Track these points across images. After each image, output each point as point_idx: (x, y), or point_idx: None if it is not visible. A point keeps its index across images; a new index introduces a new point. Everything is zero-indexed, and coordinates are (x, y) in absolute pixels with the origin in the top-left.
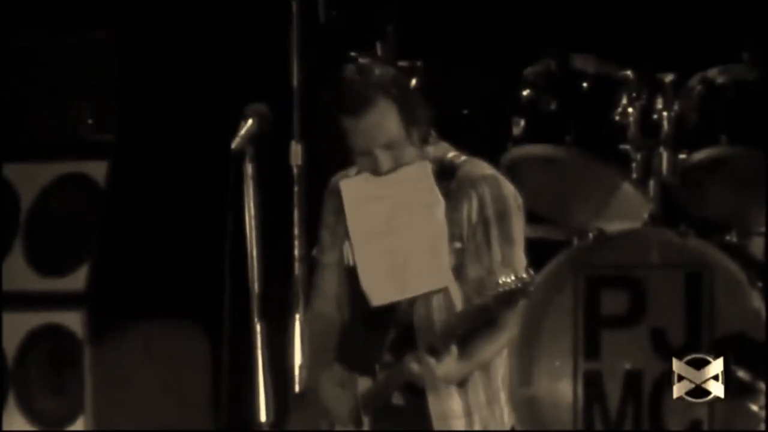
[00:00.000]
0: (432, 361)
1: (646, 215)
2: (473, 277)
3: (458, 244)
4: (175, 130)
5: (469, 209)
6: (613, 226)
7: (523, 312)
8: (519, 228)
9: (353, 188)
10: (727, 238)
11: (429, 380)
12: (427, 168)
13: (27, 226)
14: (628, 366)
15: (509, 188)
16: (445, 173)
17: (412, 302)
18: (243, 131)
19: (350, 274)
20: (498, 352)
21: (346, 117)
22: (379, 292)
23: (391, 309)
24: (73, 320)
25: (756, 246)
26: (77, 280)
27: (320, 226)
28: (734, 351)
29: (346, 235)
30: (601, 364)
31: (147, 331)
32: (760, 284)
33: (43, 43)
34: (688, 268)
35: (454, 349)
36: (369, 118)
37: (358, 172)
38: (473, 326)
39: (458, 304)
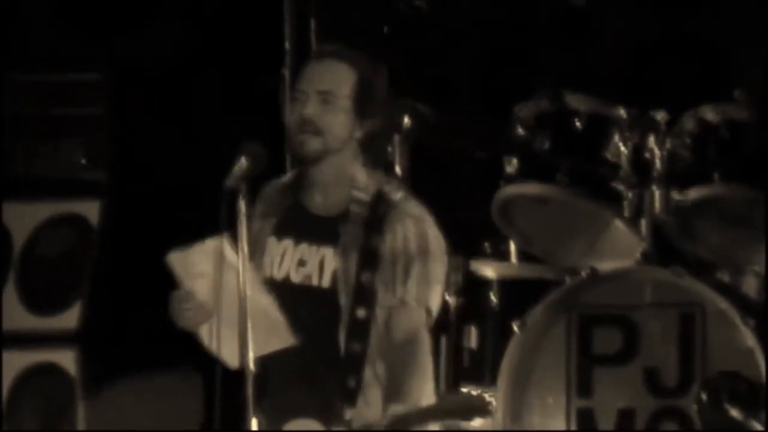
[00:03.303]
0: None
1: (638, 254)
2: (383, 305)
3: (369, 274)
4: (167, 169)
5: (393, 243)
6: (606, 265)
7: (515, 350)
8: (440, 270)
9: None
10: (720, 276)
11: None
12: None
13: (20, 265)
14: (620, 404)
15: (435, 230)
16: (377, 204)
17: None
18: (236, 169)
19: (273, 288)
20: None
21: (308, 63)
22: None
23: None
24: (66, 359)
25: (748, 285)
26: (70, 318)
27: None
28: (727, 390)
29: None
30: (594, 402)
31: (140, 370)
32: (752, 323)
33: (36, 83)
34: (681, 306)
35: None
36: (326, 61)
37: (296, 179)
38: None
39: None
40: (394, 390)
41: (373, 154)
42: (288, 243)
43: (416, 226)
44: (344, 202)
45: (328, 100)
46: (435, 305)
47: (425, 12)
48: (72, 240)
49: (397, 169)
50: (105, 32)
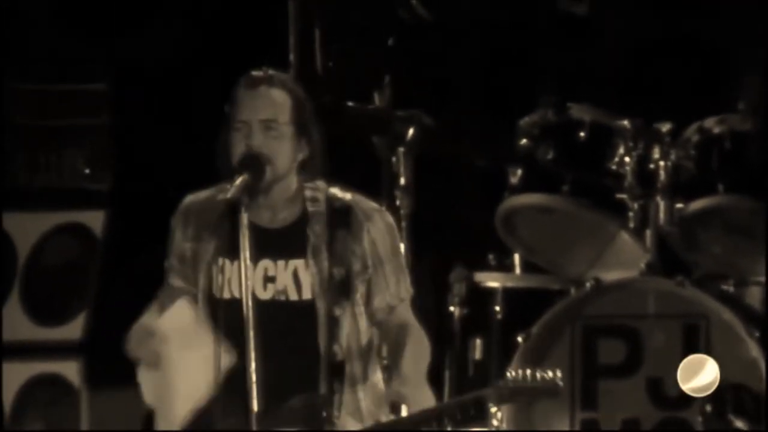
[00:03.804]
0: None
1: (643, 265)
2: (381, 306)
3: (369, 273)
4: (170, 179)
5: (371, 240)
6: (610, 276)
7: (520, 361)
8: (403, 258)
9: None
10: (724, 287)
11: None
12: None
13: (24, 275)
14: (624, 415)
15: (392, 219)
16: (335, 207)
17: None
18: (238, 181)
19: (222, 306)
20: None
21: (242, 92)
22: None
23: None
24: (69, 369)
25: (752, 295)
26: (74, 329)
27: (170, 251)
28: (731, 401)
29: (214, 260)
30: (598, 413)
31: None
32: (756, 334)
33: (39, 92)
34: (685, 317)
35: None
36: (262, 89)
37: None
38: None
39: (364, 332)
40: (395, 373)
41: (313, 169)
42: (266, 262)
43: (383, 220)
44: (295, 213)
45: (271, 127)
46: (410, 293)
47: (428, 21)
48: (76, 250)
49: (402, 181)
50: (109, 42)
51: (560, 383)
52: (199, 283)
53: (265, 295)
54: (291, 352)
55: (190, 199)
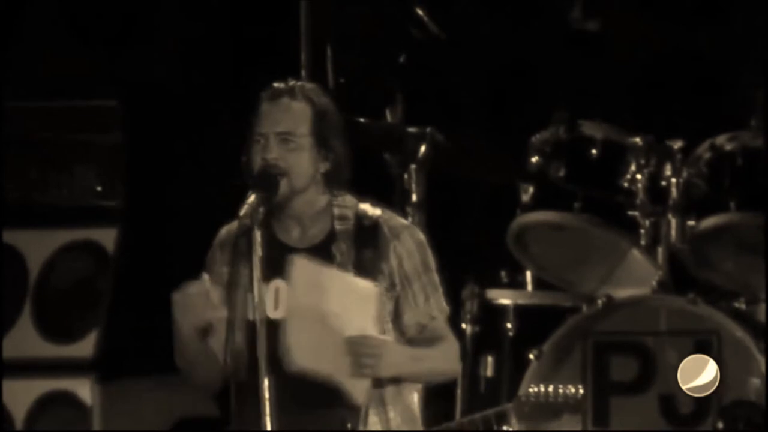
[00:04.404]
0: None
1: (654, 282)
2: (410, 323)
3: (396, 290)
4: (182, 196)
5: (398, 258)
6: (622, 293)
7: (532, 378)
8: (437, 274)
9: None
10: (736, 304)
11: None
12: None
13: (36, 293)
14: None
15: (423, 236)
16: (365, 225)
17: None
18: (252, 198)
19: (270, 327)
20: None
21: (263, 104)
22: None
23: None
24: (81, 387)
25: (764, 312)
26: (86, 346)
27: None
28: (743, 418)
29: (250, 287)
30: (610, 430)
31: (156, 398)
32: None
33: (51, 109)
34: (697, 334)
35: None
36: (281, 101)
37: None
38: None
39: None
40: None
41: (339, 181)
42: (278, 282)
43: (412, 237)
44: (324, 230)
45: (288, 140)
46: (447, 310)
47: (440, 38)
48: (88, 267)
49: (413, 198)
50: (120, 58)
51: (581, 399)
52: (237, 308)
53: None
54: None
55: (224, 230)
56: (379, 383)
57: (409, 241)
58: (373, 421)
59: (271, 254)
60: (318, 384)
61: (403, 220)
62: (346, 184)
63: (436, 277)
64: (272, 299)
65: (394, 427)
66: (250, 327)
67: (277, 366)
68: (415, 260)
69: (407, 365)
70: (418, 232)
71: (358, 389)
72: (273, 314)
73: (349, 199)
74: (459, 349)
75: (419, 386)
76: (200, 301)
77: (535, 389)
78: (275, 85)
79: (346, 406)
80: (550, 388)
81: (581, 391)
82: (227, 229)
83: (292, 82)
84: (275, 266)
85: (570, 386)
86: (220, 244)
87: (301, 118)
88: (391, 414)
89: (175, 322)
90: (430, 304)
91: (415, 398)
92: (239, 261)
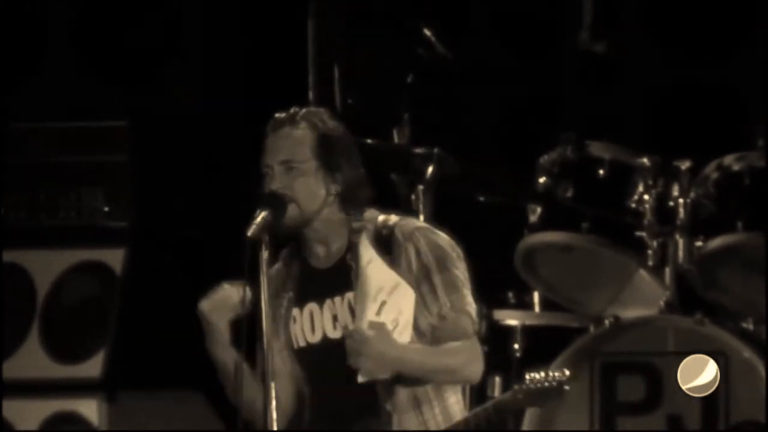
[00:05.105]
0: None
1: (662, 302)
2: (425, 327)
3: None
4: (190, 216)
5: (408, 260)
6: (629, 313)
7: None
8: (462, 273)
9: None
10: (743, 325)
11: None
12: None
13: (43, 313)
14: None
15: (445, 238)
16: (381, 234)
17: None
18: (259, 218)
19: (300, 354)
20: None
21: (267, 136)
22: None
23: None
24: (88, 407)
25: None
26: (93, 367)
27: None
28: None
29: (288, 313)
30: None
31: (163, 418)
32: None
33: (58, 130)
34: (704, 354)
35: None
36: (282, 131)
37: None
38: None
39: None
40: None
41: (355, 201)
42: (312, 306)
43: (425, 238)
44: (343, 246)
45: (291, 167)
46: (472, 308)
47: (448, 60)
48: (95, 288)
49: (421, 218)
50: (128, 79)
51: (564, 380)
52: (281, 339)
53: (335, 334)
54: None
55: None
56: (404, 383)
57: (420, 241)
58: (410, 424)
59: (304, 280)
60: (355, 396)
61: (418, 222)
62: (365, 202)
63: (455, 278)
64: (309, 324)
65: (432, 428)
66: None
67: (319, 389)
68: (427, 259)
69: (406, 361)
70: (432, 232)
71: (392, 396)
72: (311, 338)
73: (369, 213)
74: (480, 352)
75: (458, 387)
76: (231, 298)
77: (530, 376)
78: (277, 115)
79: (380, 414)
80: (541, 373)
81: (567, 373)
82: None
83: (294, 110)
84: (308, 291)
85: (556, 371)
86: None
87: (302, 144)
88: (428, 415)
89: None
90: (440, 304)
91: (454, 400)
92: (281, 288)
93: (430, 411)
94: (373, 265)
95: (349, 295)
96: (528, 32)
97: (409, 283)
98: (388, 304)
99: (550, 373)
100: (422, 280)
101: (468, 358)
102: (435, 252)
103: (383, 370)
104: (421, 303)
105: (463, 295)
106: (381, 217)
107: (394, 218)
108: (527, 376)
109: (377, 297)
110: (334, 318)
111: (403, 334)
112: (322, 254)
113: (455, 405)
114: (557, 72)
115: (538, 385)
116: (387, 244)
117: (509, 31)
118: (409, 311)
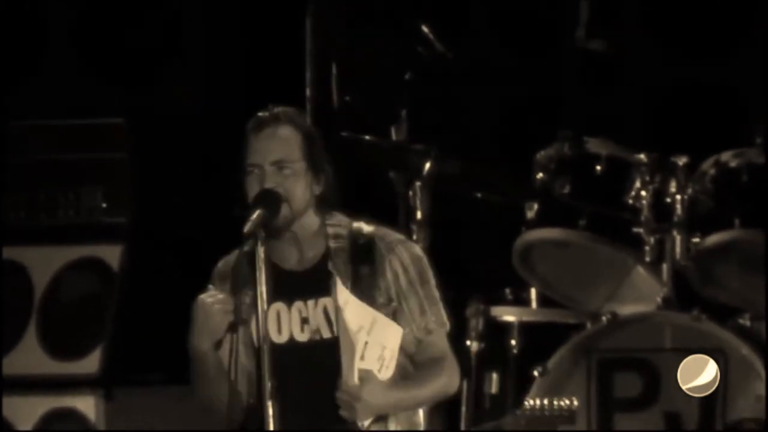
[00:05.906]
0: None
1: (659, 299)
2: (407, 338)
3: (393, 305)
4: (187, 212)
5: (394, 273)
6: (627, 310)
7: (536, 395)
8: (435, 285)
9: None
10: (740, 321)
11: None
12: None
13: (41, 309)
14: None
15: (420, 250)
16: (358, 243)
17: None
18: (255, 215)
19: (273, 351)
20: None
21: (250, 136)
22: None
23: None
24: (86, 404)
25: None
26: (91, 363)
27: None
28: None
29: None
30: None
31: (161, 415)
32: None
33: (57, 128)
34: (702, 352)
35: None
36: (269, 130)
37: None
38: None
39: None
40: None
41: (331, 203)
42: (279, 306)
43: (408, 251)
44: (320, 251)
45: (284, 167)
46: (448, 321)
47: (447, 58)
48: (93, 284)
49: (418, 215)
50: (127, 79)
51: (576, 410)
52: (251, 334)
53: (303, 336)
54: (329, 389)
55: (221, 263)
56: None
57: (404, 255)
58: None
59: (271, 280)
60: (324, 407)
61: (398, 235)
62: (336, 204)
63: (434, 291)
64: (275, 323)
65: None
66: (258, 349)
67: (282, 390)
68: (411, 274)
69: (396, 405)
70: (413, 246)
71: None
72: (277, 339)
73: (341, 218)
74: (457, 367)
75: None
76: (221, 310)
77: (531, 402)
78: (259, 114)
79: (350, 428)
80: (546, 401)
81: (575, 402)
82: (224, 262)
83: (275, 109)
84: (275, 291)
85: (564, 398)
86: (220, 276)
87: (292, 144)
88: (392, 427)
89: (193, 336)
90: (426, 318)
91: (420, 413)
92: (243, 285)
93: (394, 421)
94: (349, 306)
95: (325, 300)
96: (528, 32)
97: (390, 294)
98: (370, 343)
99: (556, 401)
100: (410, 294)
101: (449, 376)
102: (416, 265)
103: (373, 415)
104: (401, 317)
105: (441, 307)
106: (354, 224)
107: (367, 227)
108: (528, 403)
109: (358, 337)
110: (303, 321)
111: (390, 367)
112: (294, 256)
113: (418, 419)
114: (557, 71)
115: (546, 413)
116: (367, 254)
117: (509, 30)
118: (394, 342)
